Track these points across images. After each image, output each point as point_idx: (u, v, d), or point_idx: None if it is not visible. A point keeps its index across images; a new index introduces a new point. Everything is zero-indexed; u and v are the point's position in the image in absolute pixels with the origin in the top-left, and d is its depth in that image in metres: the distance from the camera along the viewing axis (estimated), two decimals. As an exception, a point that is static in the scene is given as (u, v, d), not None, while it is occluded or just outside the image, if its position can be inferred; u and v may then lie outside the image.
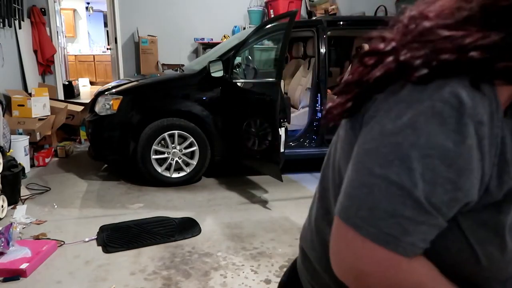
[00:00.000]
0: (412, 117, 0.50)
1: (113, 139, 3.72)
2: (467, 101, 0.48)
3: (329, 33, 4.14)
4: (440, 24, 0.52)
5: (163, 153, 3.70)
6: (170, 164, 3.72)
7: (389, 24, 0.59)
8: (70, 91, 8.08)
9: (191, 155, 3.77)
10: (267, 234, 2.82)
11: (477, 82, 0.50)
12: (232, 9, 6.88)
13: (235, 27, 6.87)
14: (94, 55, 11.87)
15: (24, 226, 2.85)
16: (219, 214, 3.16)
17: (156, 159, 3.69)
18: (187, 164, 3.77)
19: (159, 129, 3.65)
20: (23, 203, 3.27)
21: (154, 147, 3.66)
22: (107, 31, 11.26)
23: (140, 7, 6.67)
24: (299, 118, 4.22)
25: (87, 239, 2.69)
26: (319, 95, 4.04)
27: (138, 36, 6.60)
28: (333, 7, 6.64)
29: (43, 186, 3.69)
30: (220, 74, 3.62)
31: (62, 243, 2.63)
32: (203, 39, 6.74)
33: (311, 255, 0.73)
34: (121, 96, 3.68)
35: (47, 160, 4.43)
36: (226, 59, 3.67)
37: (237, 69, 3.90)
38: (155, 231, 2.80)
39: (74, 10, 11.84)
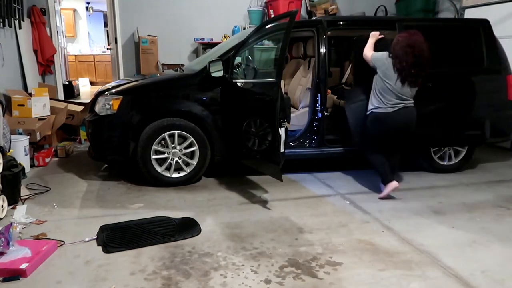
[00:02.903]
0: None
1: (113, 139, 3.72)
2: None
3: (329, 33, 4.14)
4: None
5: (163, 153, 3.70)
6: (170, 164, 3.72)
7: None
8: (70, 91, 8.09)
9: (191, 155, 3.77)
10: (267, 234, 2.82)
11: None
12: (232, 9, 6.88)
13: (235, 27, 6.87)
14: (94, 55, 11.89)
15: (24, 226, 2.85)
16: (219, 214, 3.16)
17: (156, 159, 3.69)
18: (187, 164, 3.77)
19: (159, 129, 3.65)
20: (23, 203, 3.27)
21: (154, 147, 3.66)
22: (107, 31, 11.27)
23: (140, 7, 6.67)
24: (299, 118, 4.22)
25: (87, 239, 2.69)
26: (319, 95, 4.04)
27: (138, 36, 6.61)
28: (333, 7, 6.65)
29: (43, 186, 3.69)
30: (220, 74, 3.62)
31: (62, 243, 2.63)
32: (203, 39, 6.75)
33: None
34: (121, 96, 3.68)
35: (47, 160, 4.44)
36: (226, 59, 3.66)
37: (237, 69, 3.90)
38: (155, 231, 2.80)
39: (74, 10, 11.85)
